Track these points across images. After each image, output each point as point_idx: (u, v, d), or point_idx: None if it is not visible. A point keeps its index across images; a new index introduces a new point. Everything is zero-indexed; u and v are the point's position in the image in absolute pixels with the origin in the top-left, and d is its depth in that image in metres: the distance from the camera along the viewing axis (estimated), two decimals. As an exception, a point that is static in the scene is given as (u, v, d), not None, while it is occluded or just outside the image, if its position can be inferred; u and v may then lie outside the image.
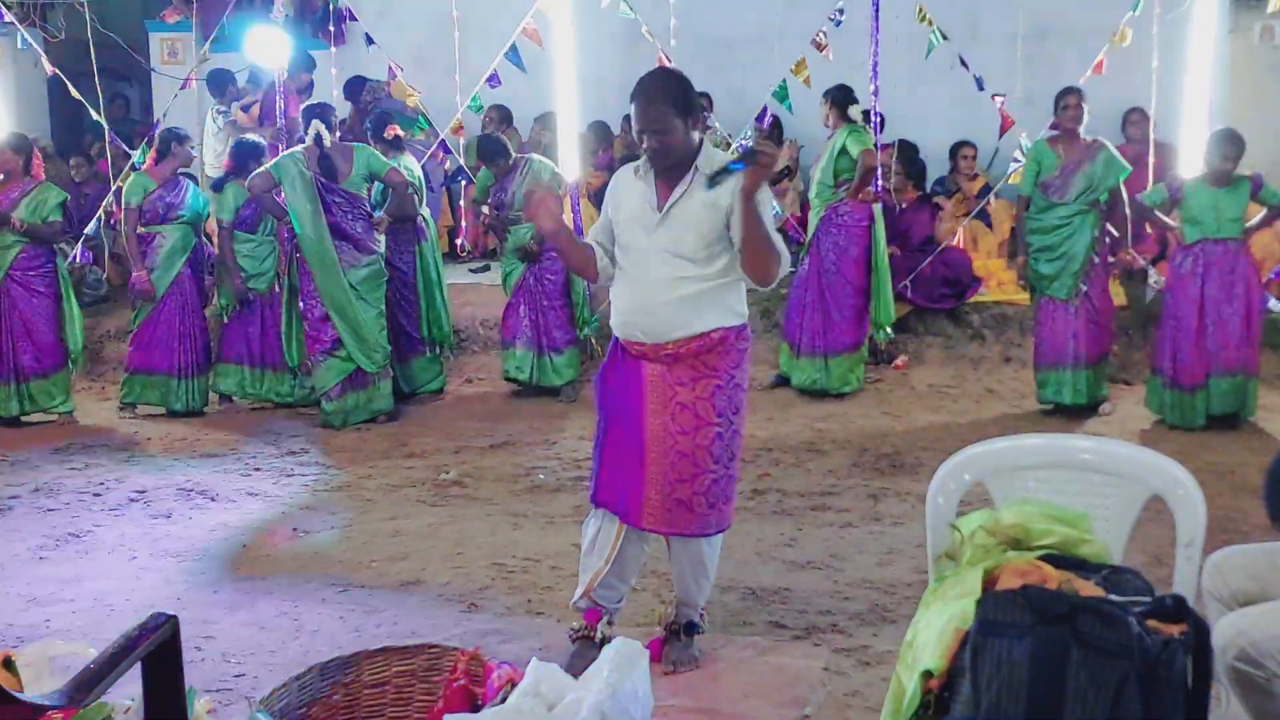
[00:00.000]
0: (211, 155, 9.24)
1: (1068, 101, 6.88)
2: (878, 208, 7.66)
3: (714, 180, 3.50)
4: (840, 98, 7.52)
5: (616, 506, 3.77)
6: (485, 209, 7.83)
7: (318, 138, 6.96)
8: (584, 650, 3.73)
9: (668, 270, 3.60)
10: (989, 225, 9.05)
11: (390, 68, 8.83)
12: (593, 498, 3.85)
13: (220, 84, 9.19)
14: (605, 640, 3.81)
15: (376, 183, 7.35)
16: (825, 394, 7.55)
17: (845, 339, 7.58)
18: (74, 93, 8.51)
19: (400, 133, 7.83)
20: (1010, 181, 8.46)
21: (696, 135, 3.63)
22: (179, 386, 7.48)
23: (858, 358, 7.67)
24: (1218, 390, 6.68)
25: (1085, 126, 6.93)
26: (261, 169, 7.23)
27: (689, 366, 3.67)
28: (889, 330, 8.00)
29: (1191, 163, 8.04)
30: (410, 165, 7.73)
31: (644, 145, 3.60)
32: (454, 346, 8.23)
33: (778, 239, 3.57)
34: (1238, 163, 6.64)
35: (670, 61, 8.23)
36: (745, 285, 3.73)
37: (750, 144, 3.54)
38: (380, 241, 7.22)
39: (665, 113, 3.54)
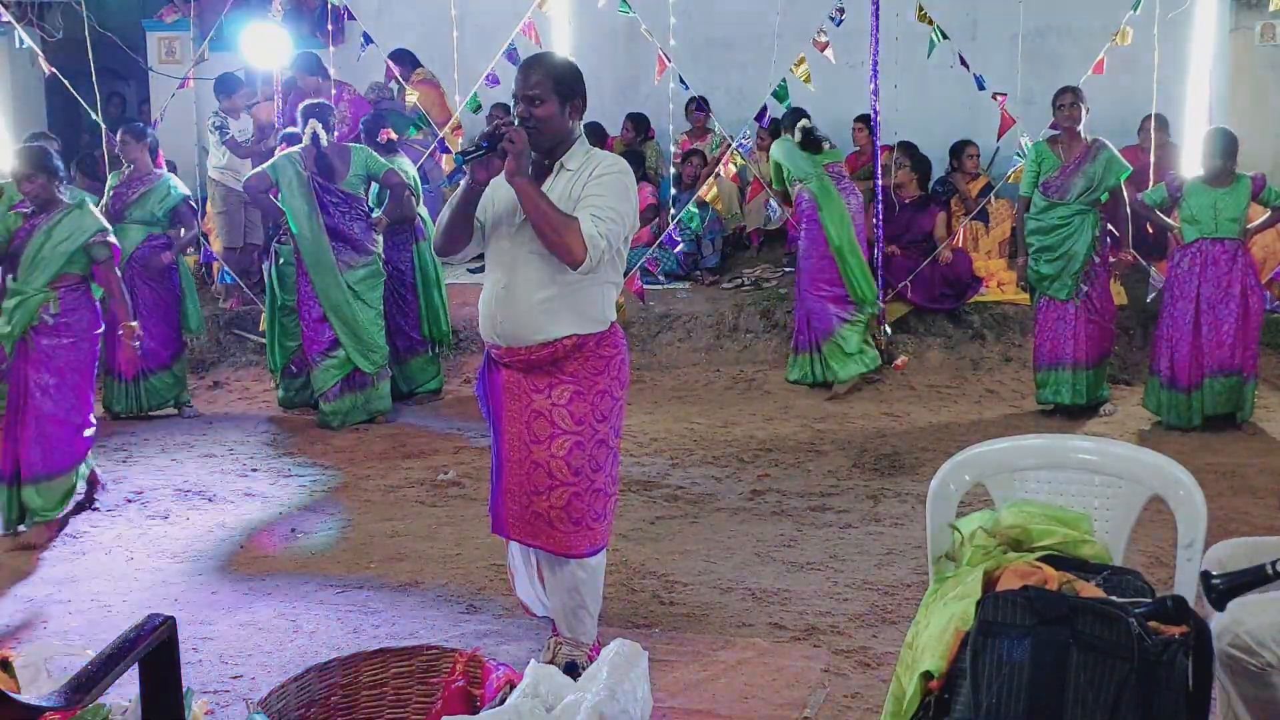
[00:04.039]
0: (215, 161, 9.23)
1: (1063, 101, 6.87)
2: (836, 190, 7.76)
3: (465, 155, 3.47)
4: (787, 121, 7.93)
5: (493, 514, 3.74)
6: None
7: (314, 137, 6.95)
8: None
9: (526, 272, 3.52)
10: (987, 226, 9.05)
11: (388, 69, 8.83)
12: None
13: (228, 90, 9.16)
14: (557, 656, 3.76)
15: (375, 184, 7.34)
16: (827, 385, 7.72)
17: (824, 325, 7.72)
18: (72, 92, 8.50)
19: (394, 136, 7.80)
20: (1010, 180, 8.46)
21: (573, 128, 3.57)
22: (117, 388, 7.39)
23: (844, 337, 7.68)
24: (1212, 391, 6.67)
25: (1088, 126, 6.92)
26: (258, 169, 7.23)
27: (545, 373, 3.56)
28: (888, 329, 8.04)
29: (1191, 162, 8.04)
30: (405, 166, 7.72)
31: (517, 112, 3.54)
32: (452, 346, 8.22)
33: (561, 219, 3.39)
34: (1233, 161, 6.63)
35: (670, 61, 8.23)
36: (611, 292, 3.62)
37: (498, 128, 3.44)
38: (378, 242, 7.21)
39: (544, 85, 3.49)
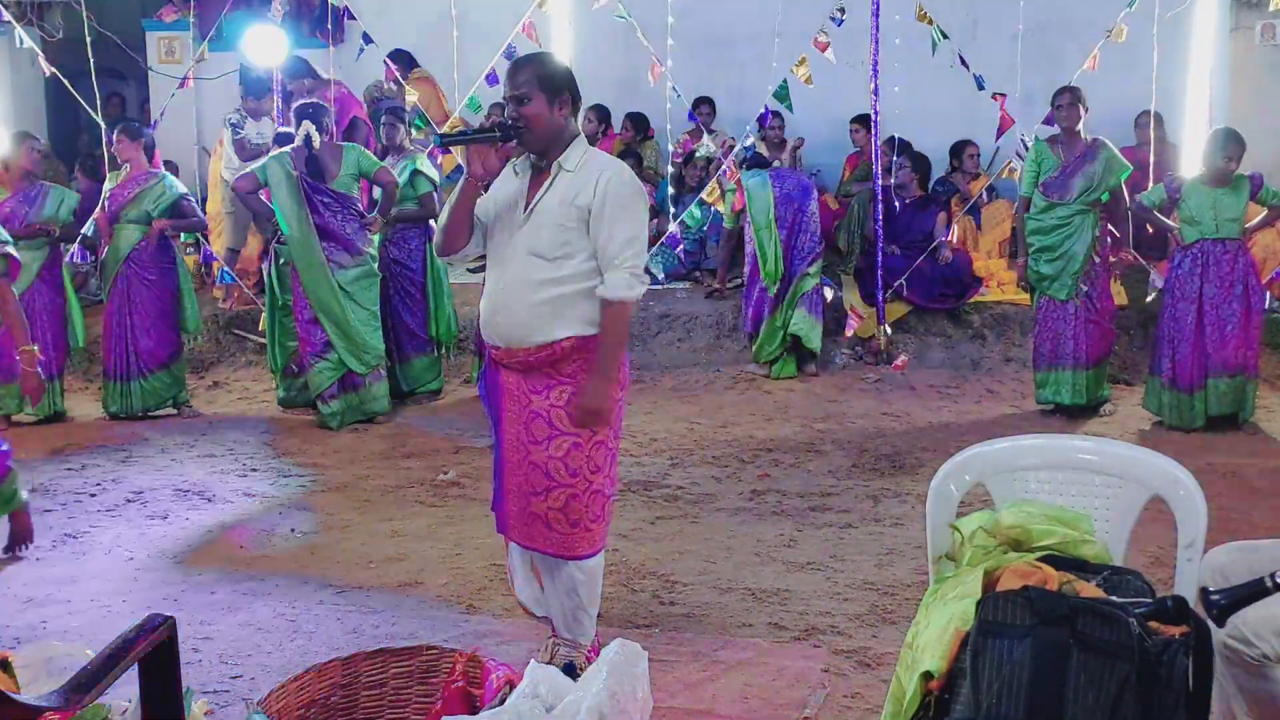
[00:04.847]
0: (226, 161, 9.20)
1: (1061, 101, 6.87)
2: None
3: (445, 139, 3.57)
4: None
5: (496, 513, 3.75)
6: None
7: (307, 138, 6.94)
8: None
9: (526, 273, 3.51)
10: (979, 225, 9.04)
11: (387, 69, 8.84)
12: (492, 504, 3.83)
13: (256, 93, 9.12)
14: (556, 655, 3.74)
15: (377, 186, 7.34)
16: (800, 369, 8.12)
17: (757, 312, 8.12)
18: (72, 92, 8.51)
19: (419, 135, 7.82)
20: (1004, 176, 8.46)
21: (566, 124, 3.55)
22: (114, 389, 7.46)
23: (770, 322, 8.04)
24: (1216, 391, 6.67)
25: (1088, 126, 6.92)
26: (247, 170, 7.24)
27: (544, 374, 3.56)
28: (888, 329, 8.06)
29: (1192, 162, 8.03)
30: (424, 166, 7.69)
31: (507, 114, 3.54)
32: (453, 348, 8.21)
33: (623, 332, 3.54)
34: (1238, 163, 6.62)
35: (664, 65, 8.24)
36: None
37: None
38: (372, 242, 7.20)
39: (530, 83, 3.48)
